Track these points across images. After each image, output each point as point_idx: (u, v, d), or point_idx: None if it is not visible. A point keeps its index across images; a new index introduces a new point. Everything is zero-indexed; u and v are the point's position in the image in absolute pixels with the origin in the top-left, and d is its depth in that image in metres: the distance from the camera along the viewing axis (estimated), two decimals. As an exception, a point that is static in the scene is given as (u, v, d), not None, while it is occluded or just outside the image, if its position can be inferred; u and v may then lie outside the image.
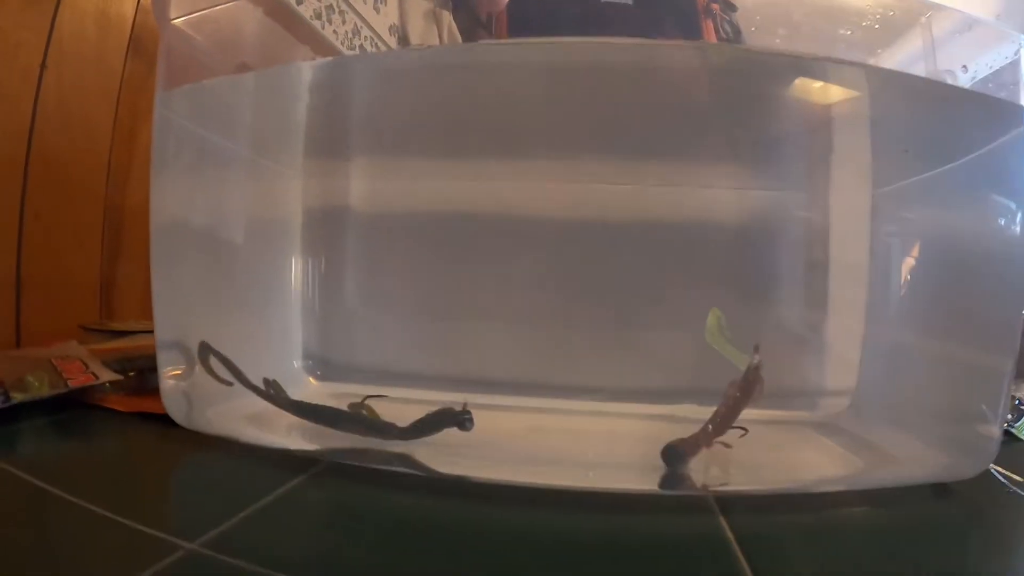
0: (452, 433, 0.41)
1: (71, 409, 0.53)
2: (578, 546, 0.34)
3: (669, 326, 0.49)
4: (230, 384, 0.46)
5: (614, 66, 0.47)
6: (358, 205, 0.55)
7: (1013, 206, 0.44)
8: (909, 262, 0.49)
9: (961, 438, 0.44)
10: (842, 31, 0.43)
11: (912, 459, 0.44)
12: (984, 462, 0.42)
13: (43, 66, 0.73)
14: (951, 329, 0.46)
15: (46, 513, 0.34)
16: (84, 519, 0.33)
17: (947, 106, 0.46)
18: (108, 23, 0.83)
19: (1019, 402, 0.63)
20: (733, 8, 0.49)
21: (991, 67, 0.44)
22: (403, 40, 0.51)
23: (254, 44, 0.52)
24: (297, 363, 0.55)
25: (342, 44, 0.67)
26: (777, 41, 0.44)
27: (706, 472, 0.40)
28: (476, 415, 0.40)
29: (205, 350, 0.47)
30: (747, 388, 0.39)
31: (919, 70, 0.45)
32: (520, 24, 0.49)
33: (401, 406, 0.44)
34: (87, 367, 0.56)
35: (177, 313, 0.50)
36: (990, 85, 0.44)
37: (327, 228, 0.56)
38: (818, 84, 0.48)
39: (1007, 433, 0.56)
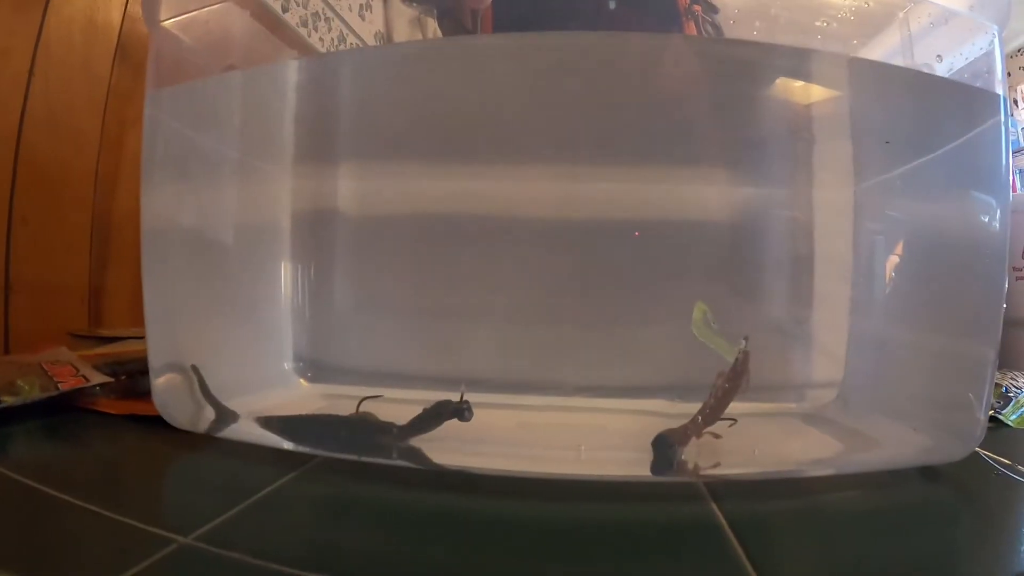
0: (446, 428, 0.41)
1: (62, 413, 0.53)
2: (573, 534, 0.34)
3: (657, 322, 0.49)
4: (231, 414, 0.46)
5: (599, 65, 0.47)
6: (347, 206, 0.55)
7: (991, 195, 0.44)
8: (892, 254, 0.49)
9: (948, 424, 0.44)
10: (819, 23, 0.44)
11: (900, 444, 0.45)
12: (971, 446, 0.42)
13: (31, 72, 0.73)
14: (935, 319, 0.47)
15: (39, 512, 0.34)
16: (77, 517, 0.33)
17: (926, 97, 0.47)
18: (95, 30, 0.83)
19: (1005, 389, 0.64)
20: (715, 10, 0.50)
21: (967, 58, 0.44)
22: (388, 47, 0.52)
23: (242, 47, 0.52)
24: (288, 365, 0.55)
25: (328, 51, 0.67)
26: (754, 34, 0.45)
27: (697, 459, 0.40)
28: (467, 413, 0.41)
29: (197, 373, 0.47)
30: (735, 378, 0.40)
31: (897, 63, 0.46)
32: (505, 28, 0.50)
33: (393, 406, 0.44)
34: (77, 371, 0.56)
35: (168, 316, 0.50)
36: (966, 75, 0.44)
37: (316, 229, 0.56)
38: (799, 77, 0.48)
39: (994, 419, 0.56)
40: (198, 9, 0.49)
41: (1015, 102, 3.25)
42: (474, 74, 0.49)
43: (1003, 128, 0.44)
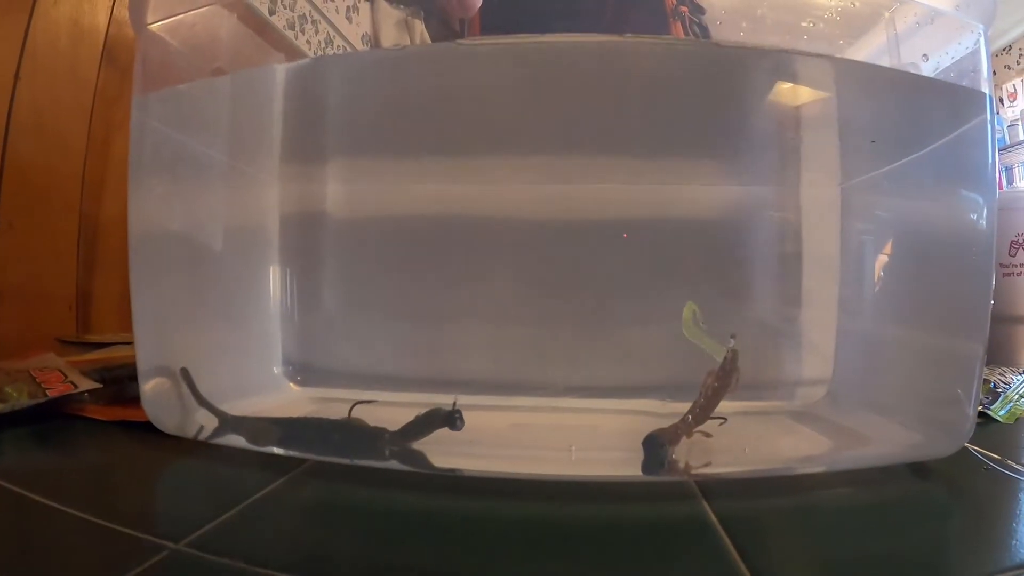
0: (439, 431, 0.41)
1: (51, 420, 0.52)
2: (565, 535, 0.34)
3: (647, 322, 0.49)
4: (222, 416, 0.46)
5: (587, 66, 0.47)
6: (335, 209, 0.55)
7: (978, 192, 0.45)
8: (879, 252, 0.49)
9: (937, 420, 0.45)
10: (805, 23, 0.44)
11: (890, 440, 0.45)
12: (960, 441, 0.43)
13: (16, 77, 0.72)
14: (923, 316, 0.47)
15: (29, 519, 0.34)
16: (68, 524, 0.33)
17: (912, 96, 0.47)
18: (81, 34, 0.83)
19: (993, 385, 0.64)
20: (702, 11, 0.50)
21: (953, 57, 0.45)
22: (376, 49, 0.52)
23: (229, 50, 0.52)
24: (277, 369, 0.54)
25: (315, 54, 0.67)
26: (741, 35, 0.45)
27: (687, 458, 0.40)
28: (458, 415, 0.40)
29: (186, 378, 0.47)
30: (725, 377, 0.40)
31: (884, 63, 0.46)
32: (492, 31, 0.50)
33: (384, 409, 0.44)
34: (66, 377, 0.56)
35: (157, 321, 0.49)
36: (952, 74, 0.45)
37: (305, 233, 0.56)
38: (786, 77, 0.49)
39: (983, 414, 0.57)
40: (185, 12, 0.49)
41: (1000, 100, 3.28)
42: (462, 77, 0.49)
43: (989, 126, 0.44)
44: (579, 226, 0.50)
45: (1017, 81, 3.26)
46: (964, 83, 0.44)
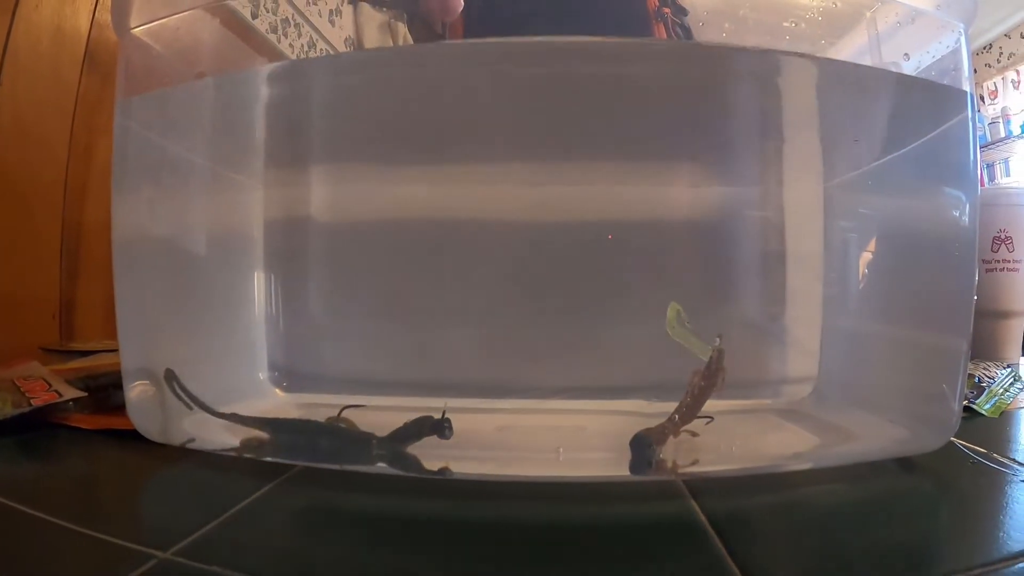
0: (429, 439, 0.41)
1: (36, 429, 0.52)
2: (554, 536, 0.34)
3: (632, 323, 0.49)
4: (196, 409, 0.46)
5: (569, 68, 0.47)
6: (319, 213, 0.55)
7: (960, 189, 0.45)
8: (863, 250, 0.50)
9: (923, 415, 0.45)
10: (787, 24, 0.45)
11: (877, 436, 0.46)
12: (946, 436, 0.43)
13: (-3, 82, 0.72)
14: (908, 313, 0.47)
15: (15, 530, 0.34)
16: (55, 535, 0.33)
17: (894, 95, 0.47)
18: (63, 38, 0.82)
19: (978, 379, 0.65)
20: (684, 12, 0.51)
21: (934, 56, 0.45)
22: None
23: (212, 54, 0.52)
24: (263, 375, 0.54)
25: (298, 57, 0.67)
26: (724, 36, 0.46)
27: (675, 457, 0.40)
28: (444, 418, 0.40)
29: (171, 378, 0.46)
30: (711, 376, 0.40)
31: (866, 62, 0.47)
32: (475, 33, 0.50)
33: (370, 413, 0.44)
34: (50, 386, 0.56)
35: (142, 327, 0.49)
36: (933, 73, 0.45)
37: (289, 237, 0.55)
38: (768, 78, 0.49)
39: (968, 409, 0.57)
40: (168, 16, 0.48)
41: (981, 98, 3.32)
42: (445, 79, 0.49)
43: (970, 124, 0.44)
44: (563, 228, 0.50)
45: (998, 79, 3.31)
46: (945, 81, 0.45)
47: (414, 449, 0.41)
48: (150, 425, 0.47)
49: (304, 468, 0.43)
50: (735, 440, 0.43)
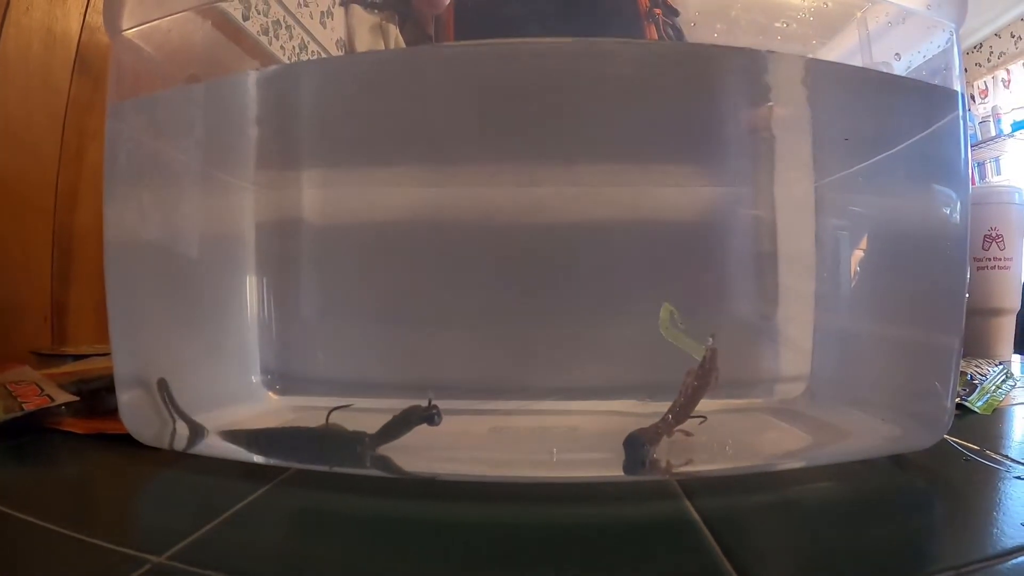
0: (417, 436, 0.41)
1: (28, 434, 0.51)
2: (548, 537, 0.34)
3: (625, 323, 0.49)
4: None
5: (562, 69, 0.47)
6: (311, 215, 0.55)
7: (952, 188, 0.45)
8: (855, 249, 0.50)
9: (916, 413, 0.45)
10: (778, 24, 0.45)
11: (870, 434, 0.46)
12: (939, 433, 0.43)
13: (-13, 85, 0.71)
14: (900, 311, 0.48)
15: (8, 536, 0.33)
16: (48, 540, 0.33)
17: (885, 94, 0.48)
18: (53, 41, 0.82)
19: (970, 377, 0.65)
20: (675, 12, 0.51)
21: (925, 55, 0.45)
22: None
23: (204, 56, 0.51)
24: (256, 378, 0.54)
25: (289, 59, 0.67)
26: (715, 36, 0.46)
27: (668, 457, 0.41)
28: (437, 420, 0.40)
29: (163, 389, 0.46)
30: (704, 376, 0.40)
31: (857, 62, 0.47)
32: (467, 35, 0.50)
33: (364, 415, 0.43)
34: (42, 390, 0.55)
35: (134, 331, 0.49)
36: (924, 72, 0.45)
37: (282, 240, 0.55)
38: (759, 78, 0.49)
39: (960, 406, 0.58)
40: (160, 18, 0.48)
41: (972, 97, 3.34)
42: (436, 80, 0.49)
43: (961, 123, 0.45)
44: (555, 229, 0.50)
45: (988, 78, 3.33)
46: (936, 81, 0.45)
47: (408, 450, 0.41)
48: (143, 429, 0.47)
49: (298, 471, 0.42)
50: (729, 439, 0.43)
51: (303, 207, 0.55)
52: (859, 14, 0.47)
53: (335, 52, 0.55)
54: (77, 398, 0.55)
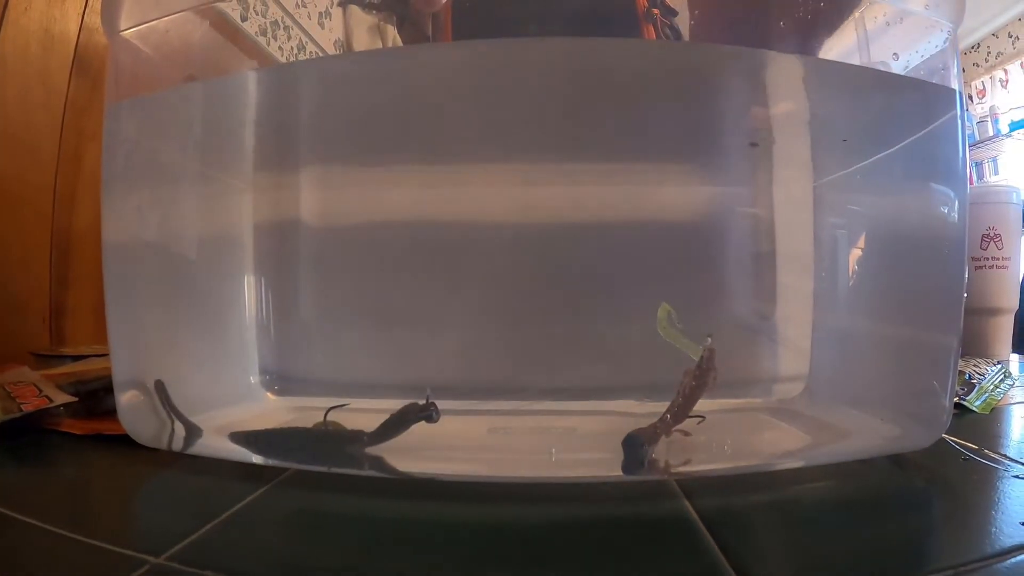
0: (416, 436, 0.41)
1: (27, 435, 0.51)
2: (547, 537, 0.34)
3: (623, 323, 0.49)
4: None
5: (559, 69, 0.47)
6: (309, 217, 0.55)
7: (950, 187, 0.45)
8: (853, 248, 0.50)
9: (914, 412, 0.45)
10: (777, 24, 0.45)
11: (868, 434, 0.46)
12: (937, 433, 0.43)
13: (-14, 86, 0.71)
14: (898, 311, 0.48)
15: (7, 537, 0.33)
16: (47, 541, 0.33)
17: (884, 93, 0.48)
18: (52, 42, 0.82)
19: (968, 376, 0.66)
20: (674, 12, 0.51)
21: (923, 55, 0.46)
22: (348, 55, 0.51)
23: (202, 57, 0.51)
24: (254, 379, 0.54)
25: (287, 60, 0.67)
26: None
27: (667, 457, 0.41)
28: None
29: (160, 390, 0.46)
30: (702, 375, 0.40)
31: (855, 61, 0.47)
32: (464, 35, 0.50)
33: (362, 415, 0.43)
34: (40, 391, 0.55)
35: (132, 331, 0.49)
36: (922, 72, 0.45)
37: (280, 241, 0.55)
38: (758, 77, 0.49)
39: (959, 405, 0.58)
40: (158, 19, 0.48)
41: (970, 97, 3.34)
42: (434, 81, 0.49)
43: (959, 122, 0.45)
44: (553, 229, 0.50)
45: (986, 78, 3.33)
46: (934, 80, 0.45)
47: (407, 450, 0.41)
48: (142, 430, 0.47)
49: (296, 471, 0.42)
50: (727, 439, 0.43)
51: (301, 207, 0.55)
52: (857, 14, 0.47)
53: (333, 52, 0.55)
54: (75, 399, 0.55)
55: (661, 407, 0.40)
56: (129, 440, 0.46)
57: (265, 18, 0.66)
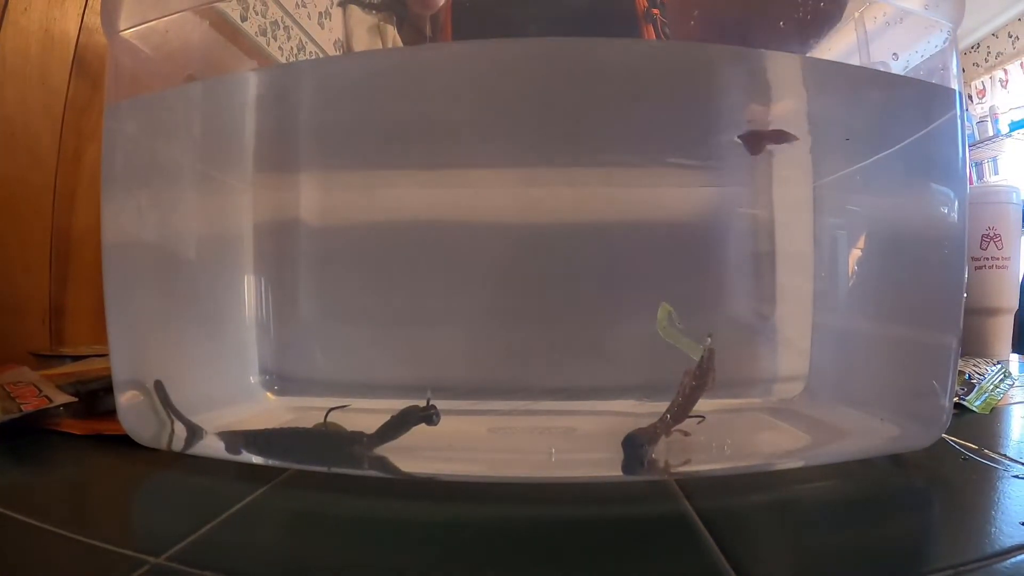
0: (416, 436, 0.41)
1: (26, 435, 0.51)
2: (547, 538, 0.34)
3: (623, 323, 0.49)
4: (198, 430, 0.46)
5: (559, 69, 0.47)
6: (309, 217, 0.55)
7: (949, 187, 0.45)
8: (853, 248, 0.50)
9: (914, 412, 0.45)
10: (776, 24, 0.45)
11: (868, 434, 0.46)
12: (937, 433, 0.43)
13: (-14, 86, 0.71)
14: (898, 310, 0.48)
15: (7, 537, 0.33)
16: (46, 541, 0.33)
17: (884, 93, 0.48)
18: (51, 42, 0.82)
19: (968, 376, 0.66)
20: (673, 13, 0.51)
21: (922, 55, 0.46)
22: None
23: (201, 57, 0.51)
24: (254, 379, 0.54)
25: (287, 60, 0.67)
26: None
27: (667, 457, 0.41)
28: (436, 420, 0.40)
29: (160, 390, 0.46)
30: (702, 375, 0.40)
31: (854, 61, 0.47)
32: (464, 35, 0.50)
33: (363, 415, 0.43)
34: (40, 391, 0.55)
35: (132, 332, 0.49)
36: (921, 72, 0.45)
37: (280, 240, 0.55)
38: (758, 77, 0.49)
39: (958, 405, 0.58)
40: (158, 19, 0.48)
41: (969, 97, 3.35)
42: (434, 82, 0.49)
43: (959, 122, 0.45)
44: (553, 229, 0.50)
45: (985, 78, 3.33)
46: (934, 80, 0.45)
47: (406, 450, 0.41)
48: (141, 430, 0.47)
49: (295, 472, 0.42)
50: (727, 439, 0.43)
51: (301, 207, 0.55)
52: (857, 14, 0.47)
53: (333, 53, 0.55)
54: (75, 399, 0.55)
55: (661, 407, 0.40)
56: (129, 440, 0.46)
57: (265, 18, 0.66)
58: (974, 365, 0.78)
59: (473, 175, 0.51)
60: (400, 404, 0.41)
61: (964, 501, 0.39)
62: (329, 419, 0.43)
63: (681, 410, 0.40)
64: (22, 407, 0.52)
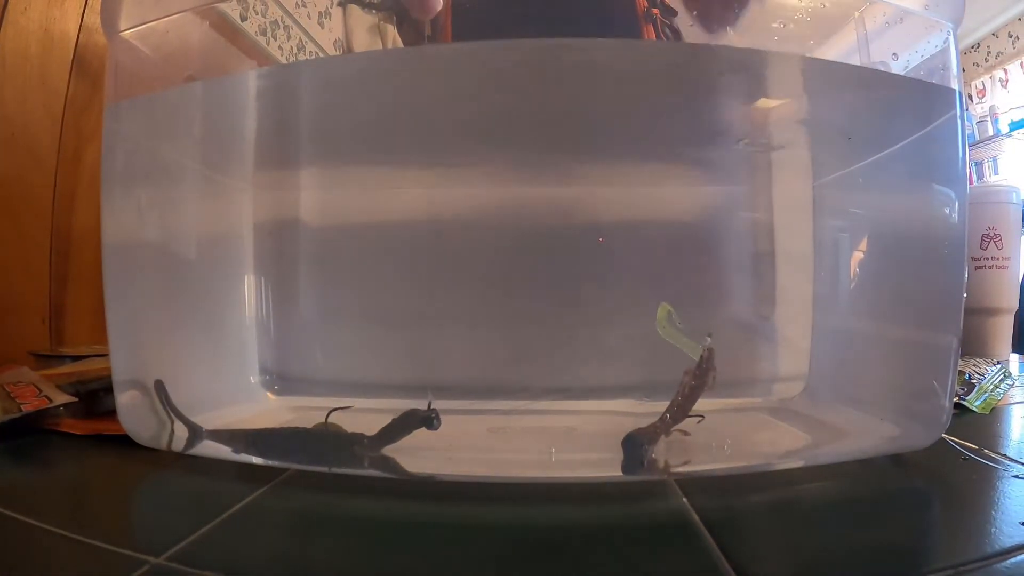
0: (416, 437, 0.40)
1: (26, 435, 0.51)
2: (546, 537, 0.34)
3: (623, 323, 0.49)
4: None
5: (558, 69, 0.47)
6: (309, 217, 0.55)
7: (949, 187, 0.45)
8: (853, 248, 0.50)
9: (914, 412, 0.45)
10: (775, 24, 0.45)
11: (868, 434, 0.46)
12: (937, 433, 0.43)
13: (-15, 86, 0.71)
14: (898, 310, 0.48)
15: (6, 537, 0.33)
16: (46, 541, 0.32)
17: (884, 93, 0.48)
18: (51, 42, 0.82)
19: (968, 376, 0.66)
20: (673, 12, 0.51)
21: (922, 55, 0.45)
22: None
23: (201, 57, 0.51)
24: (254, 379, 0.54)
25: (287, 60, 0.67)
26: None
27: (667, 457, 0.41)
28: (436, 420, 0.40)
29: (160, 390, 0.46)
30: (701, 375, 0.40)
31: (854, 61, 0.47)
32: (464, 36, 0.50)
33: (362, 416, 0.43)
34: (40, 391, 0.55)
35: (132, 332, 0.49)
36: (921, 72, 0.45)
37: (280, 240, 0.55)
38: (758, 77, 0.49)
39: (959, 405, 0.58)
40: (158, 19, 0.48)
41: (970, 97, 3.35)
42: (434, 82, 0.49)
43: (959, 122, 0.45)
44: (553, 229, 0.50)
45: (985, 78, 3.33)
46: (934, 80, 0.45)
47: (406, 451, 0.41)
48: (141, 430, 0.47)
49: (295, 472, 0.42)
50: (727, 439, 0.43)
51: (301, 207, 0.55)
52: (857, 14, 0.47)
53: (333, 53, 0.55)
54: (75, 399, 0.55)
55: (661, 407, 0.40)
56: (129, 440, 0.46)
57: (265, 18, 0.66)
58: (974, 365, 0.78)
59: (473, 175, 0.51)
60: (400, 404, 0.41)
61: (964, 501, 0.39)
62: (329, 420, 0.43)
63: (681, 410, 0.40)
64: (22, 407, 0.52)
